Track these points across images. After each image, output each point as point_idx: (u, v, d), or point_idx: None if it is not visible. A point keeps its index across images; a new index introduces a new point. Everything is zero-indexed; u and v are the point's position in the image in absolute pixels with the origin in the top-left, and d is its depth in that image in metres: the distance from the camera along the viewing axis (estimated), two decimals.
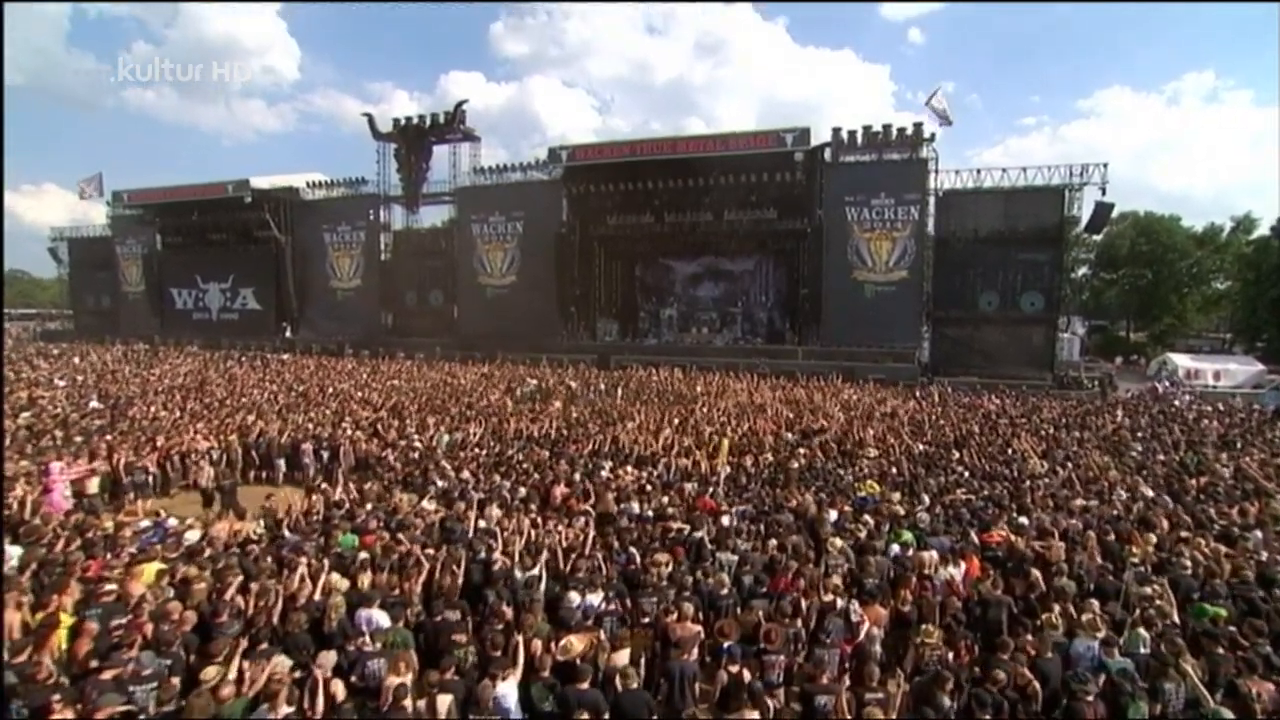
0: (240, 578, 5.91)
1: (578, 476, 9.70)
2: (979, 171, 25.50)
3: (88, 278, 41.54)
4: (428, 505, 8.29)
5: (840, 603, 5.60)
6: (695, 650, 5.31)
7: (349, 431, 13.01)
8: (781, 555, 6.70)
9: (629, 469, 10.24)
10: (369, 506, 8.49)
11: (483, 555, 6.78)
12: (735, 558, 6.81)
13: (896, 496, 8.72)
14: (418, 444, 12.07)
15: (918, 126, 25.28)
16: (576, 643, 5.13)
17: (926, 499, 8.65)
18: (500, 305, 31.70)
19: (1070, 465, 10.67)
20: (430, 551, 6.81)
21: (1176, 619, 5.58)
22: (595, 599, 5.90)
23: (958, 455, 11.23)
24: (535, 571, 6.33)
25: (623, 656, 5.04)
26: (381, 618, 5.60)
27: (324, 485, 9.58)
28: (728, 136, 27.04)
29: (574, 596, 5.84)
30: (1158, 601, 5.75)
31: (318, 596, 5.82)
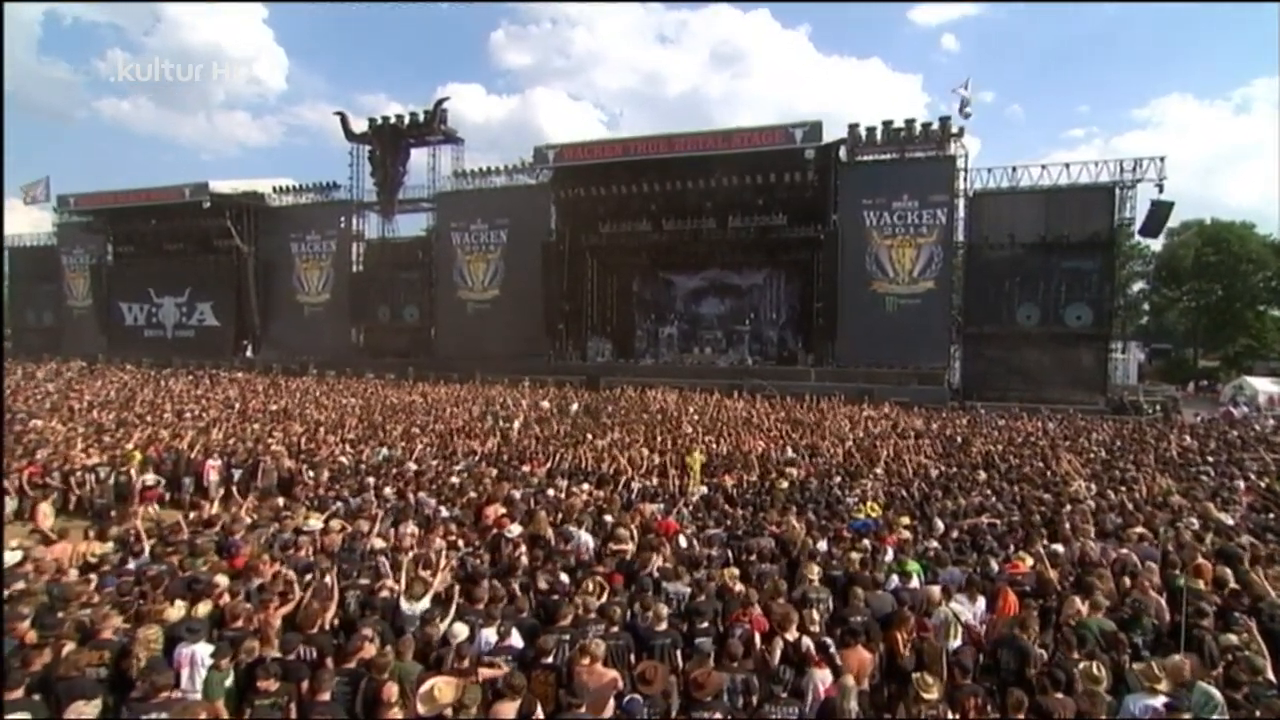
0: (33, 609, 5.05)
1: (518, 495, 8.90)
2: (1014, 170, 24.76)
3: (29, 292, 41.42)
4: (315, 524, 7.44)
5: (806, 642, 4.60)
6: (610, 704, 4.34)
7: (273, 447, 12.35)
8: (742, 585, 5.73)
9: (584, 488, 9.50)
10: (256, 526, 7.69)
11: (365, 580, 5.95)
12: (688, 589, 5.89)
13: (905, 521, 7.73)
14: (342, 459, 11.34)
15: (944, 121, 24.81)
16: (445, 689, 4.21)
17: (940, 524, 7.64)
18: (481, 321, 31.22)
19: (1125, 489, 9.59)
20: (310, 576, 6.03)
21: (1272, 677, 4.55)
22: (490, 634, 4.97)
23: (984, 477, 10.20)
24: (426, 601, 5.46)
25: (508, 709, 4.12)
26: (207, 654, 4.73)
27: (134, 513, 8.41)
28: (730, 133, 26.54)
29: (460, 630, 4.91)
30: (1245, 652, 4.74)
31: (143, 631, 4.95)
